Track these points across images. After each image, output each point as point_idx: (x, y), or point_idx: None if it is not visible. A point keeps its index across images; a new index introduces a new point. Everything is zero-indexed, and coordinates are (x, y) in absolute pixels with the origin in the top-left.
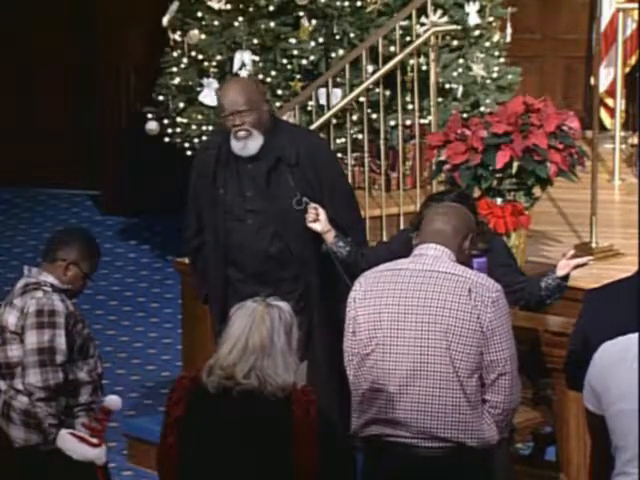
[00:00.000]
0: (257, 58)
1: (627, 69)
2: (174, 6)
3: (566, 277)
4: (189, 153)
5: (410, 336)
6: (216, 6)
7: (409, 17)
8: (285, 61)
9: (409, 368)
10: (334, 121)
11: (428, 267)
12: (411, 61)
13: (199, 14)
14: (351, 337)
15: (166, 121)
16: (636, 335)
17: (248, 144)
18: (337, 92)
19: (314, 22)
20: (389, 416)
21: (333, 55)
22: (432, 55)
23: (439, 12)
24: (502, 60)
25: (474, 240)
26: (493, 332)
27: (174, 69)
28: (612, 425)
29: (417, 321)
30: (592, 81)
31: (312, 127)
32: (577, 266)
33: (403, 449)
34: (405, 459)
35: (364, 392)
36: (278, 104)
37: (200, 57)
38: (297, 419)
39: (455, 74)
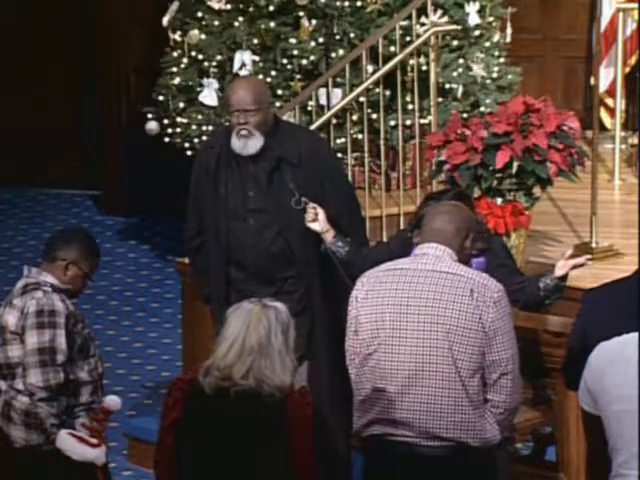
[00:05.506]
0: (257, 58)
1: (627, 69)
2: (174, 6)
3: (564, 277)
4: (189, 153)
5: (412, 336)
6: (216, 6)
7: (409, 17)
8: (285, 61)
9: (411, 368)
10: (334, 121)
11: (430, 267)
12: (411, 61)
13: (199, 14)
14: (353, 336)
15: (166, 121)
16: (631, 335)
17: (248, 143)
18: (337, 92)
19: (314, 22)
20: (391, 416)
21: (333, 55)
22: (432, 55)
23: (439, 12)
24: (502, 60)
25: (475, 239)
26: (495, 332)
27: (174, 69)
28: (608, 426)
29: (419, 321)
30: (592, 81)
31: (312, 127)
32: (575, 266)
33: (405, 449)
34: (407, 459)
35: (366, 392)
36: (278, 104)
37: (200, 57)
38: (293, 420)
39: (455, 74)
